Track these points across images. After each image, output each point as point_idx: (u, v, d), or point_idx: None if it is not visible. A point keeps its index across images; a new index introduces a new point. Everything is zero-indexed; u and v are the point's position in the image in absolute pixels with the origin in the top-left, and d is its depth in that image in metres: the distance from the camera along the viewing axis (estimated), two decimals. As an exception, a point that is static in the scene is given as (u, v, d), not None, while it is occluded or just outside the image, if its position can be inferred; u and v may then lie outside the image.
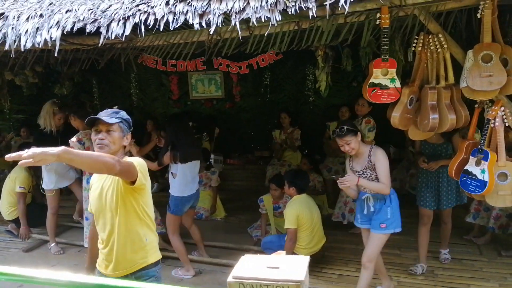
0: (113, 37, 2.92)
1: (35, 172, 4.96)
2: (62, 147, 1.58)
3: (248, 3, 2.68)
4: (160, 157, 3.88)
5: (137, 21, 2.89)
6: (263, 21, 2.63)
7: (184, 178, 3.85)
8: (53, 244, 4.58)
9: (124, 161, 1.97)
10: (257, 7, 2.63)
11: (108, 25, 2.95)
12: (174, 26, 2.82)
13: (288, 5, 2.59)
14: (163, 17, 2.85)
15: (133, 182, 1.99)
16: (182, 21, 2.80)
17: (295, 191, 3.85)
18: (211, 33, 2.84)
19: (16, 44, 3.18)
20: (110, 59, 4.42)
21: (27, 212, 4.85)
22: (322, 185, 5.30)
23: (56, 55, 3.15)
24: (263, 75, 6.75)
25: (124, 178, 1.98)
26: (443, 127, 3.01)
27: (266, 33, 2.90)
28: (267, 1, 2.63)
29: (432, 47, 2.96)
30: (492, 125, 2.85)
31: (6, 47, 3.23)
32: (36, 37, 3.13)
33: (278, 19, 2.60)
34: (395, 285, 3.56)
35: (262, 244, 4.13)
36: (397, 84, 3.05)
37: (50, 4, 3.43)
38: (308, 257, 1.67)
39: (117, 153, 2.12)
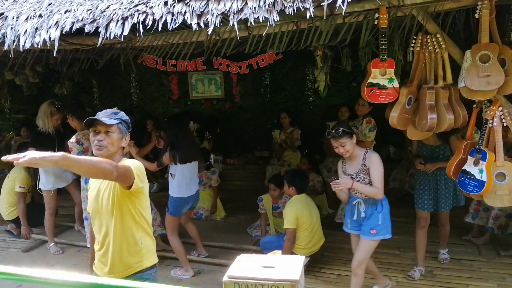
0: (111, 37, 2.93)
1: (34, 172, 4.97)
2: (61, 153, 1.58)
3: (246, 3, 2.68)
4: (160, 158, 3.88)
5: (135, 22, 2.91)
6: (261, 21, 2.64)
7: (183, 179, 3.85)
8: (52, 244, 4.59)
9: (122, 166, 1.95)
10: (255, 8, 2.64)
11: (107, 25, 2.96)
12: (172, 27, 2.84)
13: (285, 5, 2.59)
14: (161, 17, 2.86)
15: (129, 187, 1.98)
16: (180, 22, 2.81)
17: (294, 191, 3.85)
18: (210, 33, 2.85)
19: (15, 44, 3.19)
20: (109, 59, 4.43)
21: (27, 212, 4.86)
22: (321, 185, 5.29)
23: (55, 55, 3.16)
24: (263, 75, 6.75)
25: (121, 183, 1.97)
26: (441, 127, 3.01)
27: (265, 33, 2.90)
28: (264, 2, 2.64)
29: (430, 47, 2.96)
30: (490, 125, 2.85)
31: (5, 47, 3.24)
32: (35, 37, 3.14)
33: (276, 19, 2.61)
34: (394, 285, 3.56)
35: (261, 244, 4.13)
36: (396, 84, 3.04)
37: (49, 4, 3.45)
38: (304, 256, 1.67)
39: (116, 154, 2.10)
